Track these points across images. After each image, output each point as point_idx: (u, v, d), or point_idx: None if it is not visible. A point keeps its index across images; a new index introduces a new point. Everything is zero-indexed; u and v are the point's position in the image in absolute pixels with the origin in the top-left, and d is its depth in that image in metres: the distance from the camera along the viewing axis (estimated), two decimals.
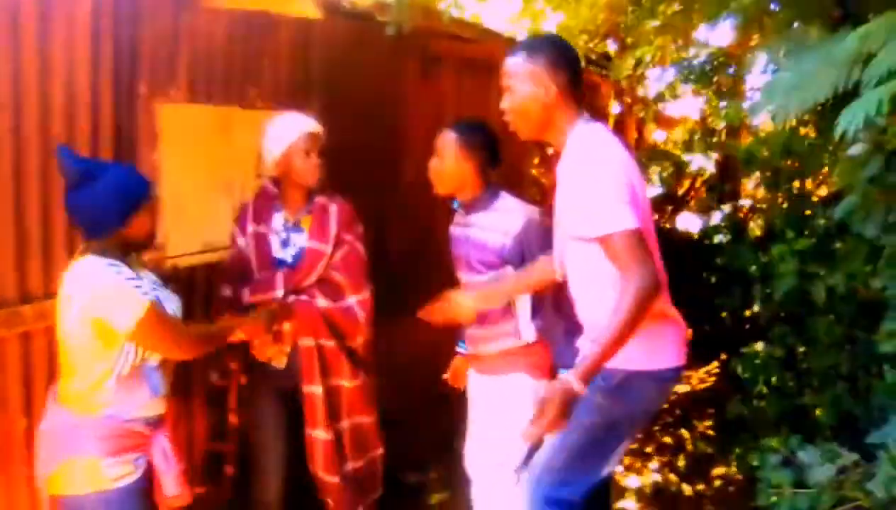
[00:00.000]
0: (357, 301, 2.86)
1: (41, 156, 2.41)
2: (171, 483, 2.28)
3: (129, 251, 2.20)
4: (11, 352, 2.42)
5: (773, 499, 2.07)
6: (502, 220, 2.73)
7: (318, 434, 2.80)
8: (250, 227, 2.86)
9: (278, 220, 2.87)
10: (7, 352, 2.40)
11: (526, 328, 2.78)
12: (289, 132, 2.75)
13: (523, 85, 2.22)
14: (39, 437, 2.21)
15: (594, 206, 2.06)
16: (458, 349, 3.01)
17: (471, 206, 2.81)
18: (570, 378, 2.00)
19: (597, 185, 2.06)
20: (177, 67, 2.85)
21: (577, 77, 2.27)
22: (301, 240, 2.84)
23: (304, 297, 2.78)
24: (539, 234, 2.69)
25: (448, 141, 2.78)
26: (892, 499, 1.79)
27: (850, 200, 1.98)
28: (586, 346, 2.35)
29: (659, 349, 2.20)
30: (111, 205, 2.10)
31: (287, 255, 2.84)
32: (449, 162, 2.77)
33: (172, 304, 2.28)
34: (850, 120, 1.59)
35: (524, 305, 2.77)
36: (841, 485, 1.95)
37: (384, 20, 3.10)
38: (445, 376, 3.07)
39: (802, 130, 3.62)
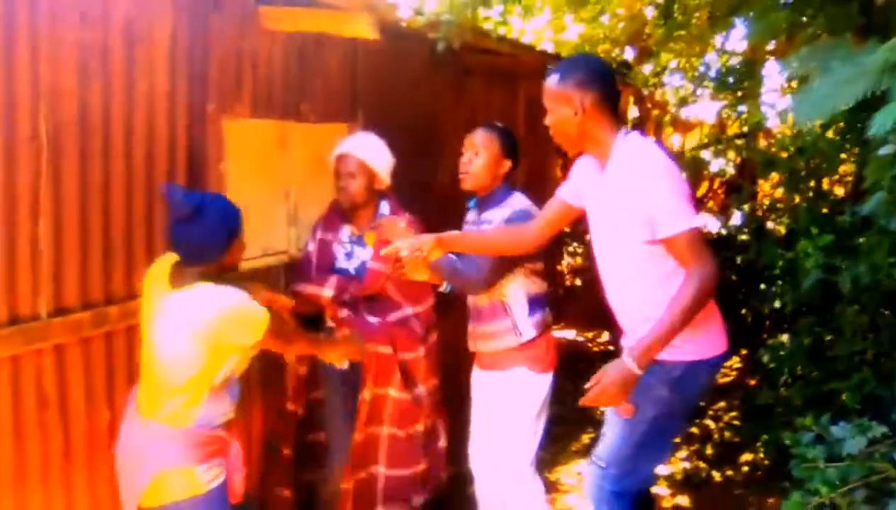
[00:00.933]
0: (415, 312, 3.02)
1: (125, 173, 2.61)
2: (238, 483, 2.46)
3: (222, 274, 2.34)
4: (97, 350, 2.61)
5: (807, 473, 2.25)
6: (506, 211, 2.87)
7: (357, 436, 2.94)
8: (319, 234, 3.09)
9: (345, 232, 3.07)
10: (93, 351, 2.59)
11: (524, 325, 2.88)
12: (333, 152, 3.00)
13: (557, 106, 2.41)
14: (127, 455, 2.33)
15: (662, 210, 2.22)
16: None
17: (486, 203, 2.96)
18: (628, 360, 2.15)
19: (663, 190, 2.23)
20: (241, 86, 3.06)
21: (610, 93, 2.42)
22: (364, 254, 3.01)
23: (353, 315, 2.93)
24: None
25: (487, 138, 2.93)
26: None
27: (880, 196, 2.17)
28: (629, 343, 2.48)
29: (712, 338, 2.37)
30: (217, 237, 2.27)
31: (350, 266, 3.04)
32: (486, 158, 2.91)
33: None
34: (882, 122, 1.79)
35: (519, 303, 2.88)
36: (871, 456, 2.14)
37: (434, 37, 3.30)
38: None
39: (828, 132, 3.80)
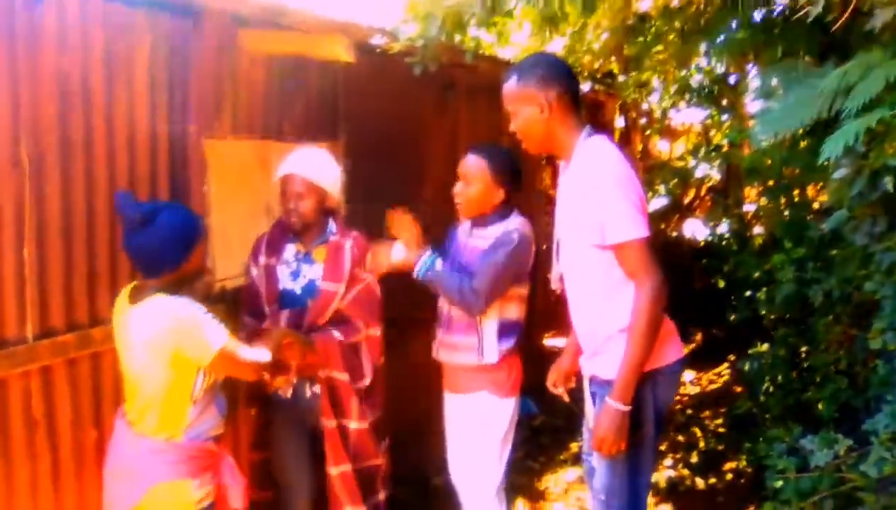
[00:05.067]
0: (365, 337, 2.88)
1: (108, 197, 2.62)
2: (237, 496, 2.44)
3: (184, 285, 2.33)
4: (83, 371, 2.64)
5: (780, 483, 2.30)
6: (500, 227, 2.82)
7: (333, 470, 2.82)
8: (262, 259, 2.92)
9: (290, 250, 2.92)
10: (79, 372, 2.62)
11: (490, 349, 2.83)
12: (278, 171, 2.82)
13: (521, 106, 2.33)
14: (116, 471, 2.31)
15: (611, 215, 2.19)
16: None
17: (483, 221, 2.87)
18: (613, 403, 2.19)
19: (612, 196, 2.19)
20: (221, 107, 3.10)
21: (572, 88, 2.36)
22: (311, 272, 2.87)
23: (321, 333, 2.79)
24: (510, 245, 2.73)
25: (478, 168, 2.79)
26: (883, 477, 2.03)
27: (840, 214, 2.23)
28: (587, 366, 2.47)
29: (667, 345, 2.34)
30: (170, 245, 2.23)
31: (297, 286, 2.88)
32: (479, 189, 2.79)
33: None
34: (831, 148, 1.85)
35: (492, 325, 2.83)
36: (839, 468, 2.19)
37: (412, 61, 3.33)
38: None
39: (802, 143, 3.85)
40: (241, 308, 2.99)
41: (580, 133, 2.34)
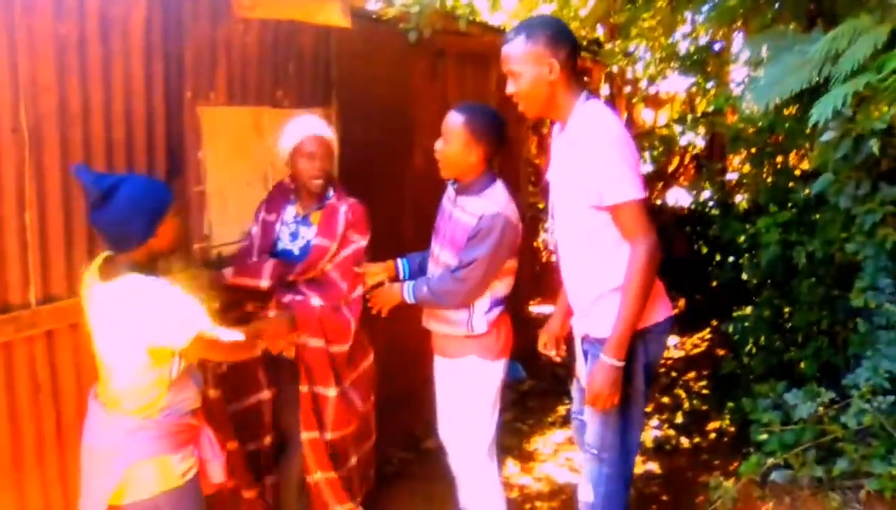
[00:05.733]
0: (347, 300, 2.94)
1: (107, 163, 2.66)
2: (217, 471, 2.40)
3: (156, 260, 2.25)
4: (85, 335, 2.66)
5: (764, 436, 2.40)
6: (483, 204, 2.75)
7: (305, 435, 2.89)
8: (262, 216, 3.04)
9: (290, 212, 3.04)
10: (81, 335, 2.60)
11: (479, 321, 2.86)
12: (296, 134, 2.91)
13: (527, 67, 2.29)
14: (94, 452, 2.24)
15: (609, 177, 2.22)
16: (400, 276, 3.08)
17: (465, 188, 2.83)
18: (607, 359, 2.26)
19: (610, 158, 2.22)
20: (216, 74, 3.10)
21: (576, 53, 2.36)
22: (309, 233, 2.97)
23: (299, 297, 2.86)
24: (495, 234, 2.70)
25: (456, 126, 2.73)
26: (862, 428, 2.14)
27: (826, 177, 2.30)
28: (580, 325, 2.53)
29: (657, 304, 2.41)
30: (133, 219, 2.11)
31: (295, 247, 2.99)
32: (456, 148, 2.74)
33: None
34: (821, 111, 1.91)
35: (482, 301, 2.85)
36: (820, 420, 2.29)
37: (406, 27, 3.33)
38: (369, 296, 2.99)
39: (785, 111, 3.92)
40: (236, 266, 2.99)
41: (579, 96, 2.35)
